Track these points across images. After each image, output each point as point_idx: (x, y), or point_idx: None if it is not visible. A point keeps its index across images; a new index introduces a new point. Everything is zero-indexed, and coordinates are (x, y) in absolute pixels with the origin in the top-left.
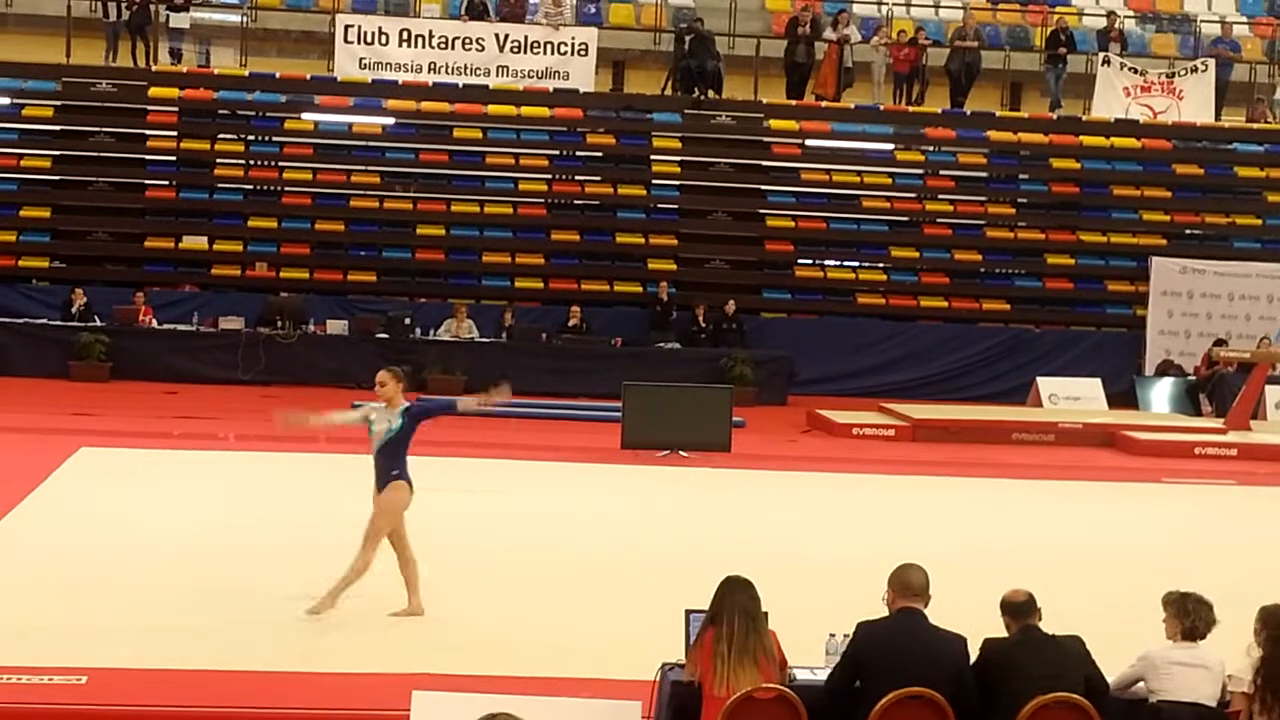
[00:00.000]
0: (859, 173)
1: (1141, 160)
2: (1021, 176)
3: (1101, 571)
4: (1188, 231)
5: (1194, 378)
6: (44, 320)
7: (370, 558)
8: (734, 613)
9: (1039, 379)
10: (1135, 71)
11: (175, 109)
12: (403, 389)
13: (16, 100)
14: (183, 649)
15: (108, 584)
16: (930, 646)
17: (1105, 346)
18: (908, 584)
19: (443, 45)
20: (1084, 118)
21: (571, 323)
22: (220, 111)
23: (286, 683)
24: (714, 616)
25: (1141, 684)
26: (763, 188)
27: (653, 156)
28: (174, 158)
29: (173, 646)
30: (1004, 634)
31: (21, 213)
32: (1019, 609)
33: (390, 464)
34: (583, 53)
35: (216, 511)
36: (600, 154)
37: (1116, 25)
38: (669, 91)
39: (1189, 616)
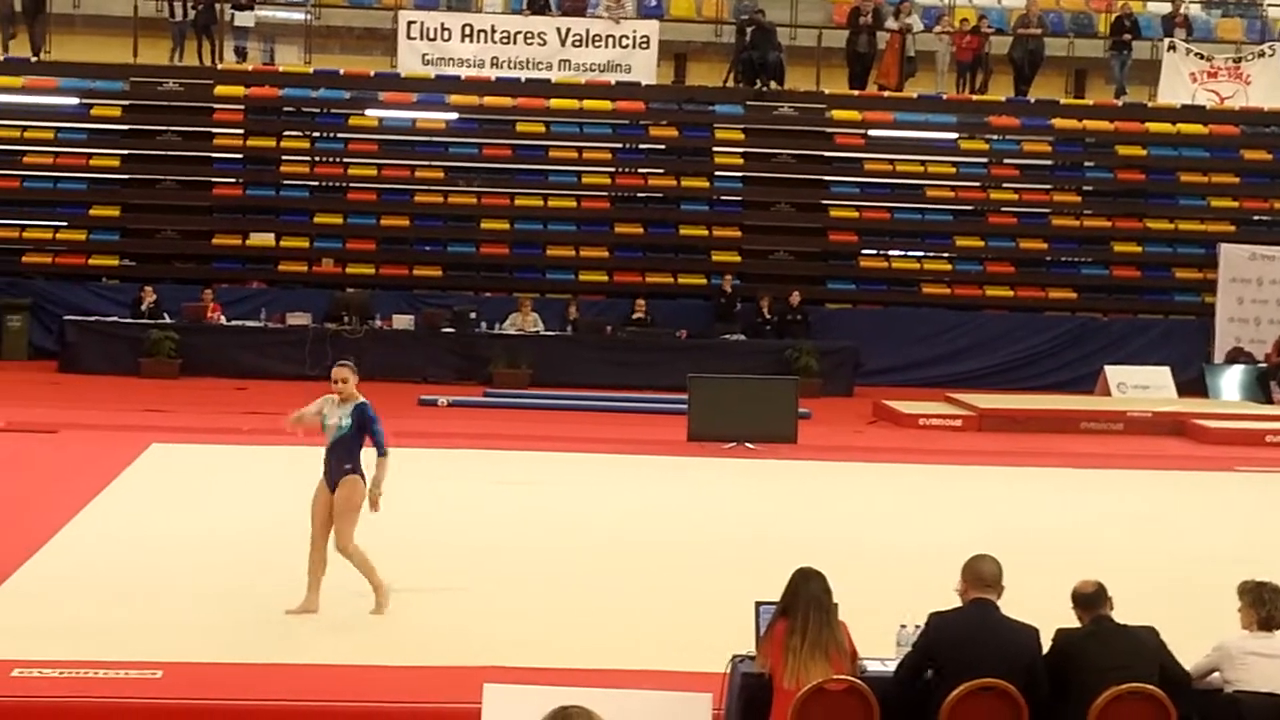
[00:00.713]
0: (923, 162)
1: (1209, 146)
2: (1087, 164)
3: (1173, 561)
4: (1256, 218)
5: (1264, 365)
6: (114, 318)
7: (355, 548)
8: (807, 605)
9: (1107, 368)
10: (1201, 57)
11: (241, 107)
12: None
13: (85, 100)
14: (255, 643)
15: (180, 579)
16: (1002, 637)
17: (1174, 334)
18: (980, 575)
19: (505, 40)
20: (1150, 104)
21: (636, 315)
22: (285, 109)
23: (359, 677)
24: (786, 608)
25: (1216, 674)
26: (826, 178)
27: (715, 148)
28: (240, 155)
29: (246, 641)
30: (1075, 625)
31: (91, 212)
32: (1090, 600)
33: (344, 460)
34: (644, 46)
35: (286, 506)
36: (663, 147)
37: (1182, 10)
38: (731, 83)
39: (1264, 606)
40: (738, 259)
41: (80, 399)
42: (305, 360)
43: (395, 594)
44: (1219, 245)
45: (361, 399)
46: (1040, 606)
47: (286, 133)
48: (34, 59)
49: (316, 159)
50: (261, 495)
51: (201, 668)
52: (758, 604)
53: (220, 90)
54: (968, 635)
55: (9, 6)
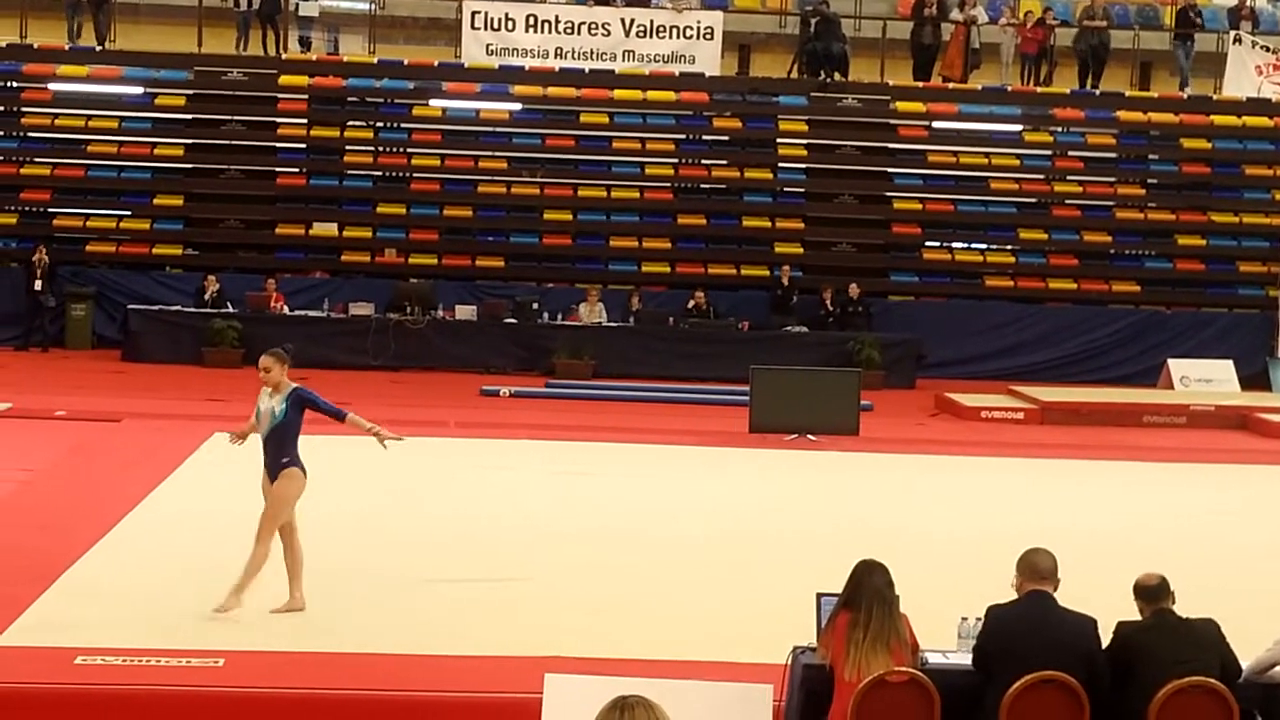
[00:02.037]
0: (986, 154)
1: (1274, 139)
2: (1151, 157)
3: (1235, 554)
4: None
5: None
6: (177, 307)
7: (266, 549)
8: (871, 598)
9: (1170, 361)
10: (1267, 50)
11: (305, 97)
12: (287, 369)
13: (150, 89)
14: (316, 632)
15: (242, 568)
16: (1060, 629)
17: (1237, 328)
18: (1035, 567)
19: (569, 30)
20: (1215, 97)
21: (697, 306)
22: (349, 99)
23: (420, 666)
24: (849, 600)
25: (1278, 669)
26: (889, 170)
27: (779, 140)
28: (304, 145)
29: (307, 630)
30: (1136, 617)
31: (155, 201)
32: (1152, 592)
33: (280, 452)
34: (708, 36)
35: (347, 495)
36: (726, 138)
37: (1248, 3)
38: (795, 75)
39: None
40: (800, 251)
41: (143, 388)
42: (368, 350)
43: (457, 583)
44: None
45: (294, 386)
46: (1100, 600)
47: (350, 123)
48: (99, 48)
49: (380, 149)
50: (322, 484)
51: (263, 656)
52: (819, 595)
53: (285, 80)
54: (1025, 628)
55: None
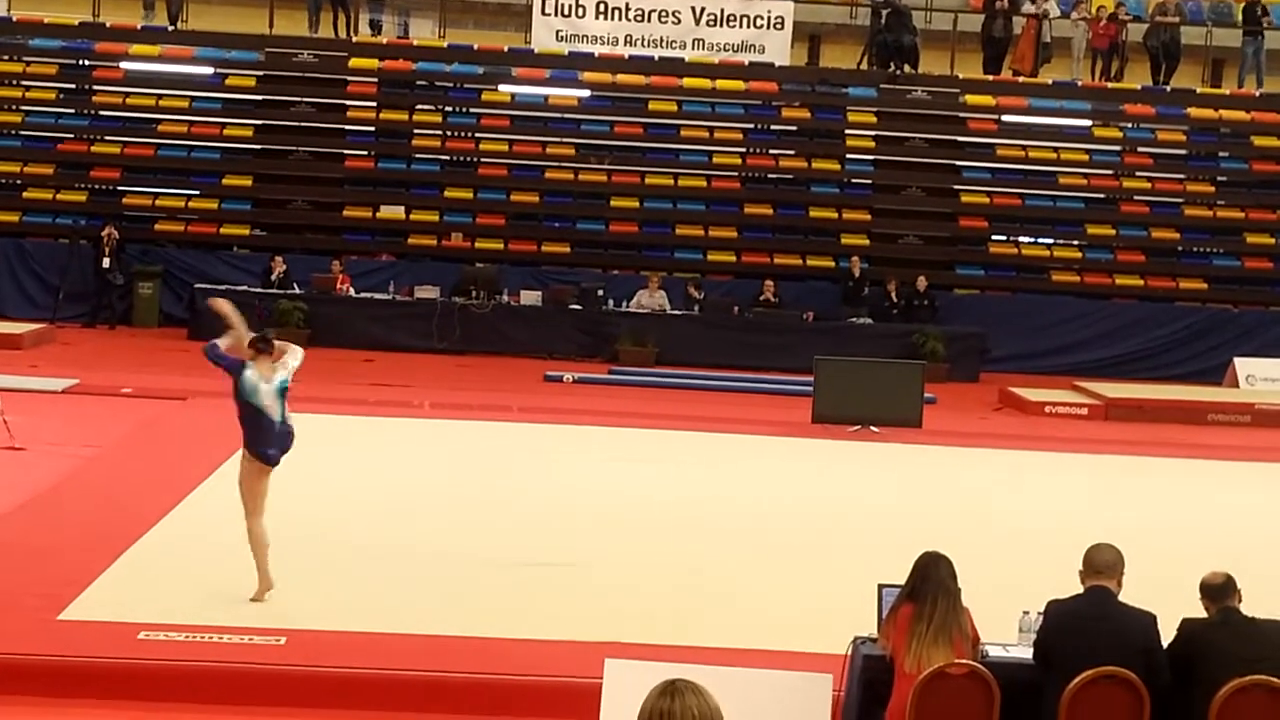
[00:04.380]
0: (1055, 149)
1: None
2: (1222, 154)
3: None
4: None
5: None
6: (244, 287)
7: (253, 523)
8: (935, 590)
9: (1236, 359)
10: None
11: (375, 80)
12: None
13: (220, 70)
14: (378, 613)
15: (305, 546)
16: (1118, 623)
17: None
18: (1093, 562)
19: (639, 18)
20: None
21: (763, 296)
22: (419, 83)
23: (481, 649)
24: (913, 592)
25: None
26: (958, 163)
27: (847, 131)
28: (373, 128)
29: (368, 610)
30: (1202, 615)
31: (224, 181)
32: (1218, 591)
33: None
34: (779, 26)
35: (411, 477)
36: (795, 128)
37: None
38: (865, 66)
39: None
40: (867, 242)
41: (209, 367)
42: (433, 334)
43: (518, 567)
44: None
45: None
46: (1163, 597)
47: (419, 106)
48: (171, 28)
49: (448, 133)
50: (386, 465)
51: (324, 635)
52: (880, 586)
53: (354, 63)
54: (1084, 623)
55: None
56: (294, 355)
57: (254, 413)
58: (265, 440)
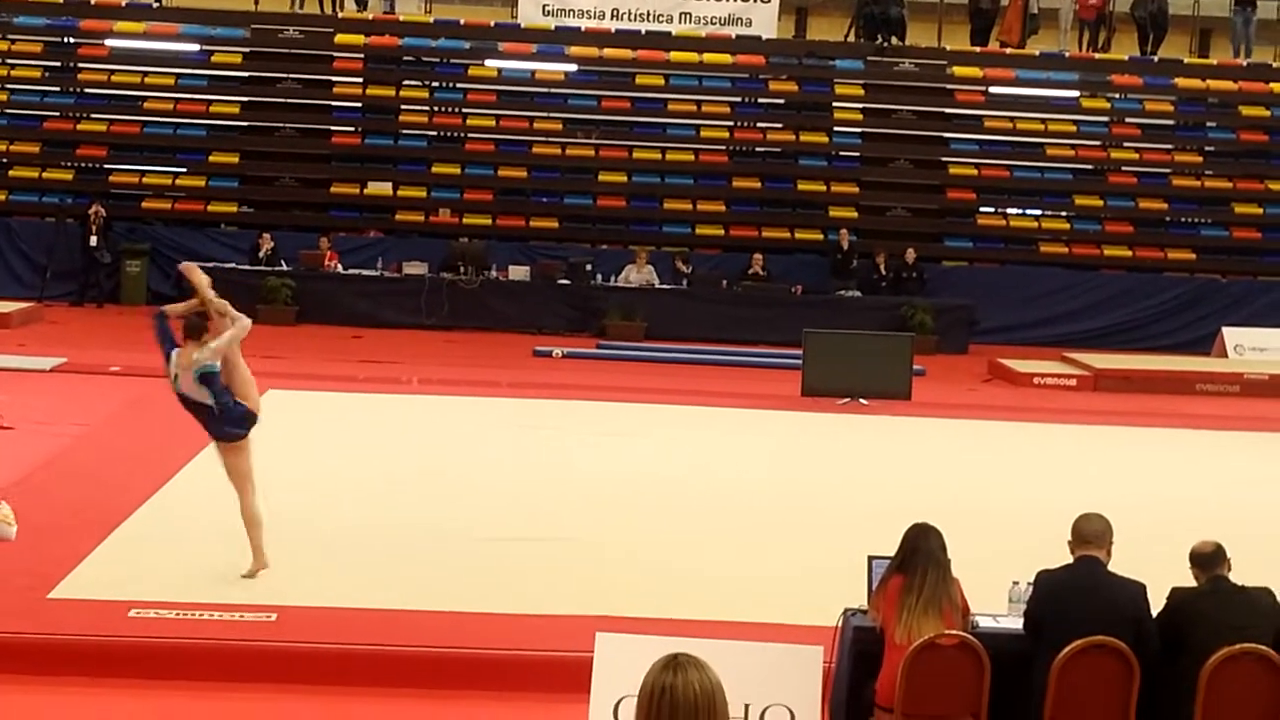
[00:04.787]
0: (1043, 120)
1: None
2: (1209, 124)
3: None
4: None
5: None
6: (232, 264)
7: (246, 502)
8: (925, 561)
9: (1224, 329)
10: None
11: (361, 56)
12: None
13: (206, 47)
14: (369, 589)
15: (295, 523)
16: (1108, 593)
17: None
18: (1081, 532)
19: None
20: (1275, 64)
21: (752, 270)
22: (405, 58)
23: (471, 623)
24: (902, 564)
25: None
26: (945, 135)
27: (835, 103)
28: (359, 104)
29: (358, 586)
30: (1191, 584)
31: (210, 158)
32: (1207, 560)
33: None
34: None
35: (401, 453)
36: (782, 101)
37: None
38: (852, 38)
39: None
40: (855, 215)
41: None
42: (421, 310)
43: (508, 542)
44: None
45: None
46: (1153, 567)
47: (406, 82)
48: (156, 5)
49: (435, 109)
50: (376, 442)
51: (315, 611)
52: (870, 558)
53: (340, 39)
54: (1073, 593)
55: None
56: (226, 333)
57: (187, 403)
58: (215, 428)
